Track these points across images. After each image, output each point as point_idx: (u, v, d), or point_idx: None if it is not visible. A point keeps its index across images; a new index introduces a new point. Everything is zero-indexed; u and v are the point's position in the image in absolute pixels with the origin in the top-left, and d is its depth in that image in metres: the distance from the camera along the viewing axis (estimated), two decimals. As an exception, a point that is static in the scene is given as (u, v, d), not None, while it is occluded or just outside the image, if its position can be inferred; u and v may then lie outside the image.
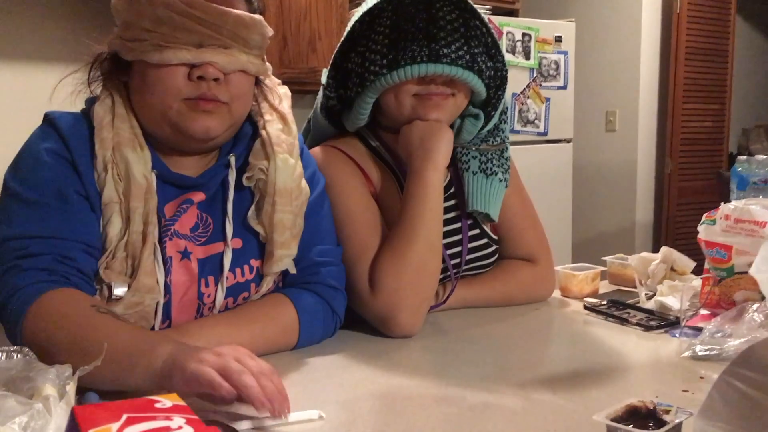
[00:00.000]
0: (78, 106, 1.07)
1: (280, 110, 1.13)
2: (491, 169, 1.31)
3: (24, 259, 0.91)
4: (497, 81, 1.29)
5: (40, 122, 1.04)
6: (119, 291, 0.95)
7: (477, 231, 1.34)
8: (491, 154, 1.32)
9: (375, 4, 1.18)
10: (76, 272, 0.94)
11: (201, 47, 0.97)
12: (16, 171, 0.99)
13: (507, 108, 1.36)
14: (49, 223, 0.94)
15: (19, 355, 0.77)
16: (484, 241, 1.35)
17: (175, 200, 1.04)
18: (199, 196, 1.05)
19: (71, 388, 0.71)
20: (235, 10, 0.98)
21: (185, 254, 1.03)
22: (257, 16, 1.01)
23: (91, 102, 1.04)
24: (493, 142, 1.34)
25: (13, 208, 0.95)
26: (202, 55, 0.97)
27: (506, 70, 1.29)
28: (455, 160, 1.33)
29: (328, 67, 1.26)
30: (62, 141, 0.99)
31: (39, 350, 0.81)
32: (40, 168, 0.97)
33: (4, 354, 0.77)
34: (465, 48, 1.19)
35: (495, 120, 1.33)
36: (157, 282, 0.98)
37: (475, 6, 1.22)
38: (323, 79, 1.27)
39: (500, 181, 1.31)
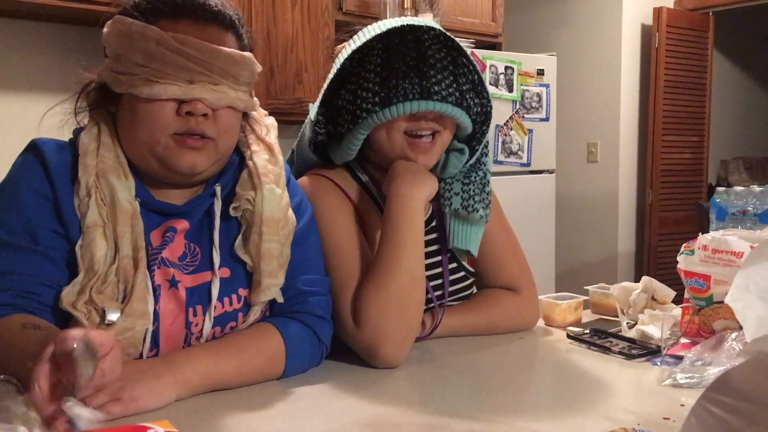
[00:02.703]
0: (66, 136, 1.08)
1: (266, 141, 1.15)
2: (472, 206, 1.32)
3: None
4: (482, 116, 1.32)
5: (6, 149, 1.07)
6: (113, 316, 0.95)
7: (455, 264, 1.37)
8: (473, 191, 1.34)
9: (365, 42, 1.20)
10: (37, 304, 0.96)
11: (191, 83, 0.98)
12: None
13: (488, 141, 1.39)
14: (16, 262, 0.96)
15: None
16: (462, 274, 1.38)
17: (160, 228, 1.05)
18: (182, 224, 1.06)
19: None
20: (225, 48, 1.00)
21: (173, 283, 1.03)
22: (247, 54, 1.03)
23: (78, 132, 1.05)
24: (475, 177, 1.36)
25: None
26: (192, 91, 0.98)
27: (491, 106, 1.32)
28: (438, 195, 1.34)
29: (316, 103, 1.27)
30: (44, 169, 1.00)
31: None
32: (15, 206, 0.99)
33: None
34: (454, 85, 1.22)
35: (477, 154, 1.36)
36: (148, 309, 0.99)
37: (459, 39, 1.25)
38: (311, 114, 1.28)
39: (481, 217, 1.33)
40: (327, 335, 1.14)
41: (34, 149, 1.02)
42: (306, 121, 1.33)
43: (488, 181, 1.38)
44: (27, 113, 2.73)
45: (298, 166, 1.39)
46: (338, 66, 1.23)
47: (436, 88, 1.19)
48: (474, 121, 1.29)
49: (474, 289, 1.41)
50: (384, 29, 1.20)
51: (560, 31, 4.71)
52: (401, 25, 1.20)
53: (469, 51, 1.27)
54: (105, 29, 1.03)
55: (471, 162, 1.36)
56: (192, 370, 0.97)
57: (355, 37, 1.24)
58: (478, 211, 1.32)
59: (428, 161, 1.25)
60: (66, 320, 0.97)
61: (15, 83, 2.77)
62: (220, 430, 0.88)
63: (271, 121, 1.19)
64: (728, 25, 5.17)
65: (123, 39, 0.99)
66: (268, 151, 1.14)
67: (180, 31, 0.98)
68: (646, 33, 4.51)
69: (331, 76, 1.24)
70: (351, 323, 1.14)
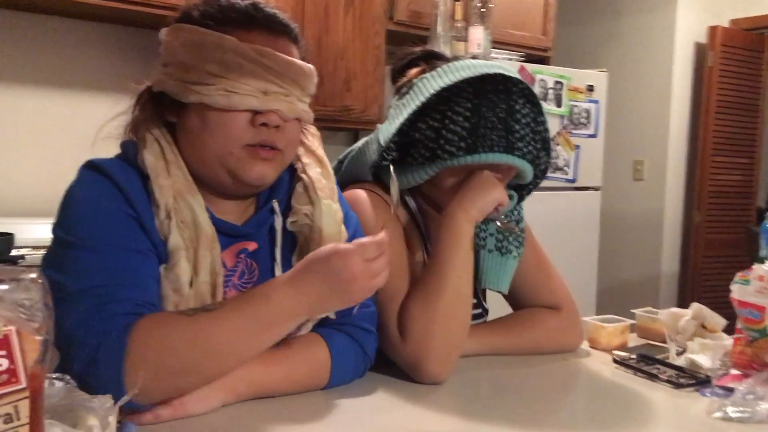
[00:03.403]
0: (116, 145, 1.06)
1: (317, 153, 1.15)
2: (507, 247, 1.33)
3: (108, 305, 0.88)
4: (542, 173, 1.34)
5: (84, 149, 1.03)
6: None
7: (475, 300, 1.36)
8: (508, 232, 1.34)
9: (455, 83, 1.18)
10: (151, 307, 0.93)
11: (266, 94, 0.98)
12: (77, 224, 0.94)
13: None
14: (125, 273, 0.92)
15: (60, 383, 0.79)
16: (479, 311, 1.39)
17: (230, 249, 1.05)
18: (252, 245, 1.06)
19: (113, 418, 0.72)
20: (297, 60, 1.01)
21: None
22: (311, 66, 1.04)
23: (129, 146, 1.02)
24: (510, 217, 1.37)
25: (82, 258, 0.91)
26: (267, 102, 0.98)
27: (550, 163, 1.34)
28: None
29: (388, 128, 1.25)
30: (119, 191, 0.97)
31: (151, 380, 0.84)
32: (104, 222, 0.94)
33: (46, 381, 0.79)
34: (533, 143, 1.24)
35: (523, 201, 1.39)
36: None
37: (509, 52, 1.25)
38: (381, 138, 1.25)
39: (514, 258, 1.34)
40: (372, 348, 1.14)
41: (99, 171, 0.98)
42: (368, 139, 1.31)
43: (522, 218, 1.39)
44: (86, 112, 2.80)
45: (342, 179, 1.39)
46: (423, 100, 1.20)
47: (519, 144, 1.21)
48: (535, 176, 1.32)
49: None
50: (477, 73, 1.18)
51: (612, 47, 4.66)
52: (494, 74, 1.18)
53: (519, 65, 1.27)
54: (165, 37, 1.02)
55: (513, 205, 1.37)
56: (239, 377, 0.98)
57: (441, 71, 1.22)
58: (511, 252, 1.33)
59: None
60: None
61: (72, 82, 2.84)
62: (264, 438, 0.89)
63: (314, 130, 1.19)
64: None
65: (194, 48, 0.98)
66: (318, 163, 1.14)
67: (253, 42, 0.98)
68: (700, 51, 4.43)
69: (413, 107, 1.21)
70: (396, 338, 1.14)
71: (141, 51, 2.85)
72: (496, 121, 1.19)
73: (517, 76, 1.22)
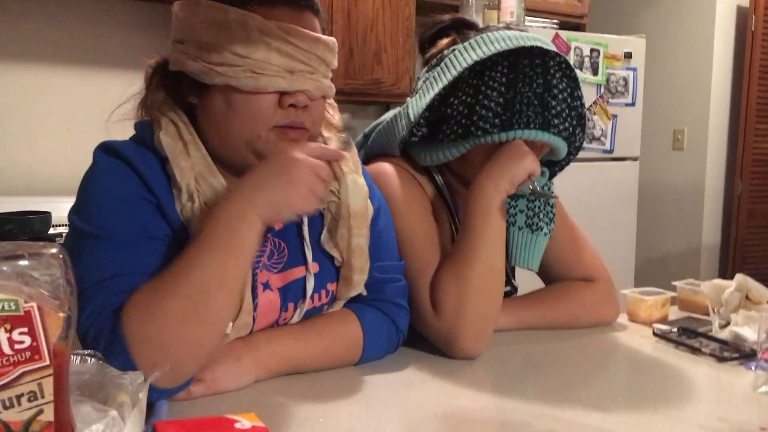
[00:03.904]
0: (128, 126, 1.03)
1: (336, 126, 1.12)
2: (537, 224, 1.28)
3: (115, 296, 0.85)
4: (576, 150, 1.31)
5: (102, 127, 0.98)
6: (227, 329, 0.93)
7: None
8: (538, 207, 1.29)
9: (489, 56, 1.14)
10: None
11: (292, 74, 0.94)
12: (93, 212, 0.92)
13: None
14: (144, 260, 0.89)
15: (92, 360, 0.79)
16: (508, 288, 1.36)
17: None
18: (278, 225, 1.02)
19: (143, 395, 0.72)
20: (323, 36, 0.97)
21: (266, 285, 1.01)
22: (334, 39, 1.00)
23: (143, 127, 0.99)
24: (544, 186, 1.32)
25: (97, 250, 0.89)
26: (295, 82, 0.94)
27: (583, 140, 1.30)
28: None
29: (418, 102, 1.21)
30: (137, 176, 0.93)
31: (154, 346, 0.82)
32: (120, 209, 0.91)
33: (78, 357, 0.79)
34: (569, 120, 1.20)
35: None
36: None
37: (543, 20, 1.21)
38: (411, 113, 1.21)
39: (545, 235, 1.29)
40: (404, 322, 1.12)
41: (116, 154, 0.95)
42: (396, 112, 1.27)
43: (553, 194, 1.34)
44: (116, 89, 2.81)
45: (368, 153, 1.36)
46: (455, 74, 1.16)
47: (555, 121, 1.17)
48: (569, 153, 1.29)
49: None
50: (512, 45, 1.14)
51: (649, 12, 4.52)
52: (531, 46, 1.14)
53: (553, 32, 1.23)
54: (180, 12, 0.97)
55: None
56: (271, 353, 0.97)
57: (474, 43, 1.18)
58: (542, 229, 1.28)
59: None
60: None
61: (104, 60, 2.85)
62: (296, 414, 0.88)
63: (332, 101, 1.13)
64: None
65: (217, 27, 0.92)
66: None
67: (277, 19, 0.93)
68: (742, 15, 4.28)
69: (445, 81, 1.17)
70: (429, 312, 1.12)
71: (150, 25, 2.85)
72: (532, 97, 1.15)
73: (554, 48, 1.17)
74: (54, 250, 0.51)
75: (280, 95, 0.94)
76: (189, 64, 0.94)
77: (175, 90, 0.99)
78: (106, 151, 0.96)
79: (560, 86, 1.18)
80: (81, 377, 0.75)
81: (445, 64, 1.19)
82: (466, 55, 1.17)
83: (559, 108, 1.18)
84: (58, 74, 2.79)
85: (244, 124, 0.94)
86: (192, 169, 0.94)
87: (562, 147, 1.22)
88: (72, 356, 0.79)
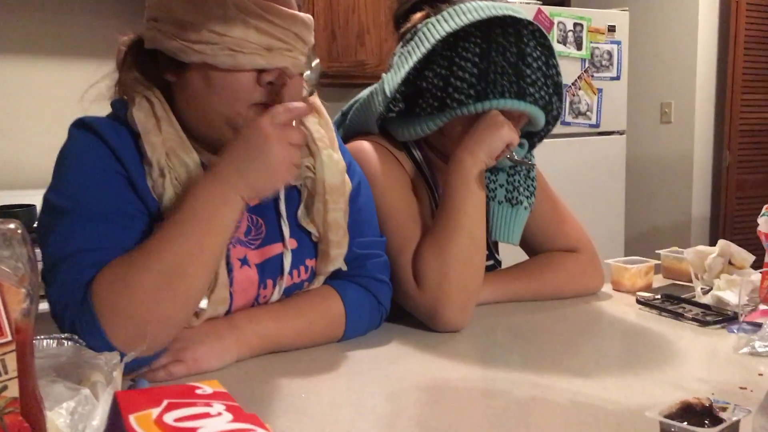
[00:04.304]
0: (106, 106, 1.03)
1: (313, 103, 1.11)
2: (517, 198, 1.29)
3: (83, 271, 0.86)
4: (554, 119, 1.30)
5: (73, 118, 0.98)
6: (203, 304, 0.94)
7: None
8: (518, 181, 1.30)
9: (462, 27, 1.14)
10: None
11: (270, 51, 0.93)
12: (65, 186, 0.93)
13: None
14: (115, 236, 0.89)
15: (69, 342, 0.79)
16: (491, 263, 1.36)
17: None
18: (252, 200, 1.01)
19: (118, 374, 0.72)
20: (300, 13, 0.97)
21: (244, 261, 1.01)
22: (310, 16, 1.00)
23: (120, 104, 0.99)
24: (520, 167, 1.31)
25: (66, 225, 0.89)
26: (273, 59, 0.93)
27: (561, 110, 1.29)
28: None
29: (393, 77, 1.20)
30: (110, 151, 0.94)
31: (124, 320, 0.83)
32: (92, 183, 0.92)
33: (55, 341, 0.79)
34: (545, 88, 1.19)
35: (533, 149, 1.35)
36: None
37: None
38: (386, 88, 1.20)
39: (525, 209, 1.30)
40: (386, 297, 1.12)
41: (90, 129, 0.95)
42: (373, 89, 1.26)
43: (533, 167, 1.34)
44: (76, 78, 2.78)
45: (347, 131, 1.35)
46: (428, 47, 1.15)
47: (531, 90, 1.17)
48: (546, 122, 1.28)
49: None
50: (485, 16, 1.13)
51: (633, -14, 4.50)
52: (503, 15, 1.13)
53: (536, 8, 1.22)
54: None
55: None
56: (253, 332, 0.97)
57: (448, 15, 1.16)
58: (522, 203, 1.29)
59: None
60: None
61: (87, 50, 2.83)
62: (279, 391, 0.88)
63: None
64: (817, -25, 4.83)
65: (193, 5, 0.92)
66: (316, 113, 1.11)
67: None
68: (726, -15, 4.27)
69: (419, 54, 1.16)
70: (412, 287, 1.12)
71: (121, 12, 2.81)
72: (506, 66, 1.15)
73: (527, 17, 1.17)
74: (12, 225, 0.50)
75: (258, 73, 0.94)
76: (165, 42, 0.94)
77: (150, 68, 0.99)
78: (80, 126, 0.96)
79: (534, 54, 1.18)
80: (57, 360, 0.75)
81: (419, 37, 1.19)
82: (438, 27, 1.16)
83: (534, 77, 1.17)
84: (39, 66, 2.77)
85: (223, 102, 0.94)
86: (163, 145, 0.94)
87: (539, 116, 1.22)
88: (49, 340, 0.79)
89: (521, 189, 1.30)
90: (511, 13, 1.14)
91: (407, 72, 1.17)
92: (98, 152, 0.94)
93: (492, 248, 1.38)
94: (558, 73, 1.23)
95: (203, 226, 0.87)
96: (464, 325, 1.13)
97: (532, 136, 1.33)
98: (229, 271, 0.98)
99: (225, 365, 0.95)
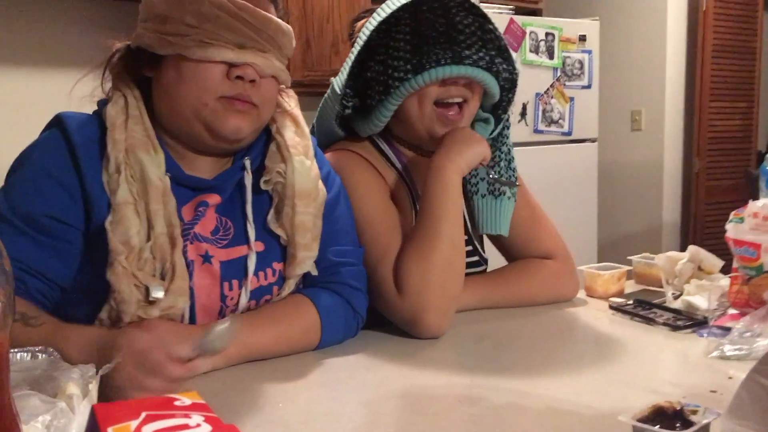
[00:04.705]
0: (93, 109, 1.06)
1: (292, 113, 1.14)
2: (499, 189, 1.33)
3: None
4: (509, 84, 1.31)
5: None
6: (158, 294, 0.94)
7: (470, 248, 1.36)
8: (498, 174, 1.34)
9: (392, 13, 1.19)
10: (23, 291, 0.94)
11: (242, 48, 0.97)
12: (7, 191, 0.98)
13: (509, 115, 1.38)
14: (9, 245, 0.92)
15: (43, 355, 0.78)
16: (476, 258, 1.38)
17: (191, 202, 1.04)
18: (214, 198, 1.04)
19: (94, 386, 0.71)
20: (275, 18, 1.00)
21: (206, 258, 1.02)
22: (290, 27, 1.03)
23: (104, 104, 1.03)
24: (499, 157, 1.35)
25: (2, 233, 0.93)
26: (243, 55, 0.97)
27: (517, 74, 1.31)
28: (464, 182, 1.34)
29: (340, 77, 1.26)
30: (68, 146, 0.97)
31: None
32: (28, 189, 0.96)
33: (29, 354, 0.78)
34: (483, 50, 1.21)
35: (503, 123, 1.36)
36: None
37: (499, 6, 1.23)
38: (336, 88, 1.26)
39: (509, 198, 1.33)
40: (362, 306, 1.13)
41: (59, 125, 1.00)
42: (326, 95, 1.31)
43: (513, 158, 1.37)
44: (56, 88, 2.76)
45: (318, 142, 1.37)
46: (365, 38, 1.21)
47: (467, 53, 1.19)
48: (501, 88, 1.29)
49: None
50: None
51: (603, -4, 4.57)
52: None
53: (508, 18, 1.25)
54: None
55: (494, 134, 1.35)
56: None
57: (380, 9, 1.22)
58: (505, 193, 1.32)
59: None
60: (57, 311, 0.96)
61: (61, 59, 2.80)
62: (256, 400, 0.88)
63: (291, 92, 1.18)
64: (780, -15, 4.95)
65: (174, 1, 0.97)
66: (293, 123, 1.13)
67: None
68: (694, -5, 4.35)
69: (357, 48, 1.23)
70: (393, 294, 1.13)
71: (111, 23, 2.79)
72: (437, 36, 1.19)
73: None
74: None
75: (228, 67, 0.97)
76: (146, 37, 0.99)
77: (133, 66, 1.03)
78: (52, 124, 1.01)
79: (465, 22, 1.21)
80: (32, 373, 0.75)
81: (359, 36, 1.24)
82: (372, 21, 1.21)
83: (468, 41, 1.20)
84: (17, 75, 2.73)
85: (191, 92, 0.97)
86: (125, 142, 0.97)
87: (486, 79, 1.22)
88: (23, 353, 0.78)
89: (503, 179, 1.34)
90: None
91: (351, 66, 1.23)
92: (51, 154, 0.97)
93: (478, 246, 1.40)
94: (498, 37, 1.25)
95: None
96: (445, 330, 1.14)
97: (496, 110, 1.35)
98: (188, 266, 0.99)
99: (197, 374, 0.94)
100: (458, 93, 1.21)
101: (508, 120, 1.38)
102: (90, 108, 1.06)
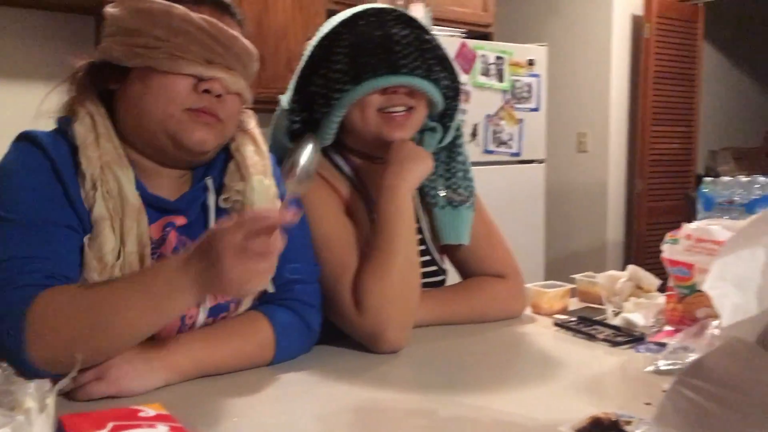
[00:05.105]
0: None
1: (251, 132, 1.16)
2: (457, 200, 1.37)
3: (17, 277, 0.90)
4: (452, 92, 1.34)
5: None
6: (116, 272, 0.96)
7: (428, 257, 1.39)
8: (456, 183, 1.38)
9: (331, 29, 1.24)
10: (64, 279, 0.94)
11: (210, 63, 1.00)
12: (5, 195, 0.97)
13: (462, 124, 1.43)
14: (42, 246, 0.93)
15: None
16: (434, 268, 1.41)
17: (157, 222, 1.04)
18: (180, 220, 1.06)
19: (51, 400, 0.72)
20: (242, 38, 1.03)
21: None
22: (255, 49, 1.06)
23: (64, 121, 1.03)
24: (455, 168, 1.40)
25: (6, 231, 0.93)
26: (212, 70, 1.00)
27: (459, 82, 1.35)
28: (422, 194, 1.38)
29: (288, 93, 1.30)
30: (48, 161, 0.98)
31: (49, 351, 0.87)
32: (31, 193, 0.96)
33: (-17, 369, 0.78)
34: (420, 59, 1.24)
35: (451, 134, 1.39)
36: None
37: (450, 29, 1.28)
38: (284, 104, 1.30)
39: (467, 208, 1.37)
40: (316, 322, 1.15)
41: (31, 141, 1.00)
42: (277, 112, 1.34)
43: (469, 168, 1.42)
44: (21, 103, 2.72)
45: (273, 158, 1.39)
46: (308, 54, 1.26)
47: (403, 62, 1.22)
48: (445, 96, 1.32)
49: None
50: (348, 15, 1.25)
51: (551, 21, 4.72)
52: (364, 9, 1.25)
53: (459, 41, 1.30)
54: (112, 9, 1.03)
55: (446, 143, 1.39)
56: (183, 355, 0.98)
57: (322, 26, 1.28)
58: (464, 203, 1.36)
59: (404, 136, 1.27)
60: None
61: (6, 73, 2.76)
62: (210, 414, 0.89)
63: (250, 111, 1.20)
64: (717, 16, 5.18)
65: (141, 14, 0.99)
66: (252, 142, 1.15)
67: (201, 14, 1.00)
68: (637, 23, 4.52)
69: (301, 65, 1.27)
70: (352, 312, 1.16)
71: (74, 37, 2.78)
72: (373, 48, 1.22)
73: (392, 7, 1.27)
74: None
75: (196, 80, 1.00)
76: (113, 49, 1.01)
77: (96, 82, 1.04)
78: (22, 139, 1.01)
79: (402, 33, 1.24)
80: (-13, 388, 0.75)
81: (304, 54, 1.29)
82: (315, 38, 1.27)
83: (405, 51, 1.23)
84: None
85: (158, 104, 0.99)
86: (99, 159, 0.98)
87: (427, 88, 1.25)
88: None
89: (461, 190, 1.38)
90: (373, 6, 1.25)
91: (296, 81, 1.28)
92: (36, 164, 0.98)
93: (436, 257, 1.42)
94: (438, 47, 1.29)
95: (149, 300, 0.90)
96: (405, 344, 1.17)
97: (443, 119, 1.38)
98: None
99: (150, 388, 0.95)
100: (400, 102, 1.25)
101: (460, 130, 1.42)
102: (44, 125, 1.05)
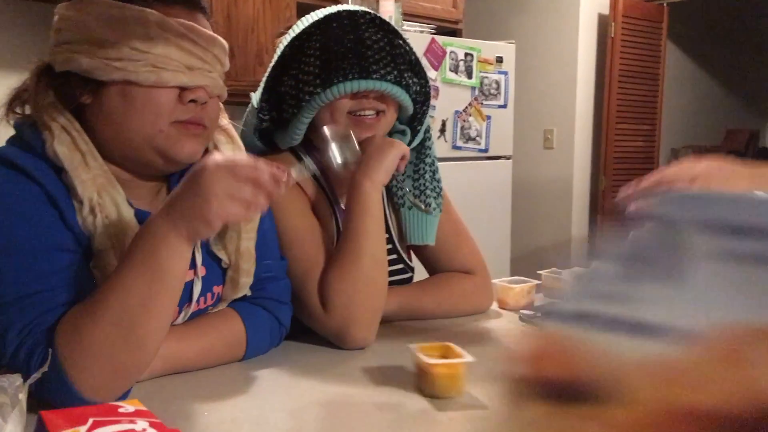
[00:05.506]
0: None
1: (227, 130, 1.13)
2: (425, 201, 1.39)
3: (48, 314, 0.86)
4: (422, 97, 1.36)
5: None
6: None
7: (394, 256, 1.40)
8: (423, 185, 1.40)
9: (303, 29, 1.24)
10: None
11: (191, 70, 0.95)
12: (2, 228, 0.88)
13: (430, 126, 1.45)
14: (62, 274, 0.89)
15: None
16: (401, 266, 1.43)
17: None
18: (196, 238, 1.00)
19: (23, 396, 0.72)
20: (218, 36, 0.99)
21: None
22: (226, 42, 1.03)
23: (28, 130, 0.94)
24: (423, 170, 1.42)
25: (10, 265, 0.87)
26: (195, 78, 0.95)
27: (429, 87, 1.36)
28: (389, 193, 1.40)
29: (258, 91, 1.30)
30: (39, 187, 0.90)
31: (95, 378, 0.84)
32: (25, 221, 0.89)
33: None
34: (392, 65, 1.25)
35: (420, 136, 1.41)
36: None
37: (420, 25, 1.29)
38: (254, 102, 1.30)
39: (434, 209, 1.39)
40: (286, 318, 1.16)
41: (11, 165, 0.91)
42: (248, 109, 1.34)
43: (437, 169, 1.43)
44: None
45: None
46: (279, 54, 1.26)
47: (375, 67, 1.22)
48: (414, 101, 1.33)
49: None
50: (321, 16, 1.25)
51: (519, 19, 4.77)
52: (338, 11, 1.25)
53: (429, 37, 1.31)
54: (68, 11, 0.94)
55: (415, 144, 1.40)
56: (155, 353, 0.98)
57: (295, 26, 1.27)
58: (431, 205, 1.38)
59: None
60: None
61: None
62: (182, 411, 0.90)
63: (221, 105, 1.15)
64: (681, 17, 5.29)
65: (113, 23, 0.92)
66: (228, 138, 1.13)
67: (175, 17, 0.94)
68: (603, 22, 4.60)
69: (272, 63, 1.27)
70: (319, 310, 1.17)
71: (41, 26, 2.73)
72: (345, 52, 1.22)
73: (366, 9, 1.27)
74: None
75: (180, 91, 0.95)
76: (81, 61, 0.92)
77: (63, 92, 0.95)
78: (0, 163, 0.92)
79: (374, 38, 1.25)
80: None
81: (275, 53, 1.29)
82: (287, 37, 1.27)
83: (377, 56, 1.24)
84: None
85: (144, 120, 0.93)
86: (94, 182, 0.92)
87: (397, 93, 1.25)
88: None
89: (428, 192, 1.39)
90: (346, 8, 1.25)
91: (265, 80, 1.27)
92: (26, 191, 0.90)
93: (404, 255, 1.44)
94: (409, 52, 1.30)
95: (147, 272, 0.85)
96: (371, 341, 1.19)
97: (413, 122, 1.39)
98: None
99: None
100: (370, 106, 1.25)
101: (429, 131, 1.43)
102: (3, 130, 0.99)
